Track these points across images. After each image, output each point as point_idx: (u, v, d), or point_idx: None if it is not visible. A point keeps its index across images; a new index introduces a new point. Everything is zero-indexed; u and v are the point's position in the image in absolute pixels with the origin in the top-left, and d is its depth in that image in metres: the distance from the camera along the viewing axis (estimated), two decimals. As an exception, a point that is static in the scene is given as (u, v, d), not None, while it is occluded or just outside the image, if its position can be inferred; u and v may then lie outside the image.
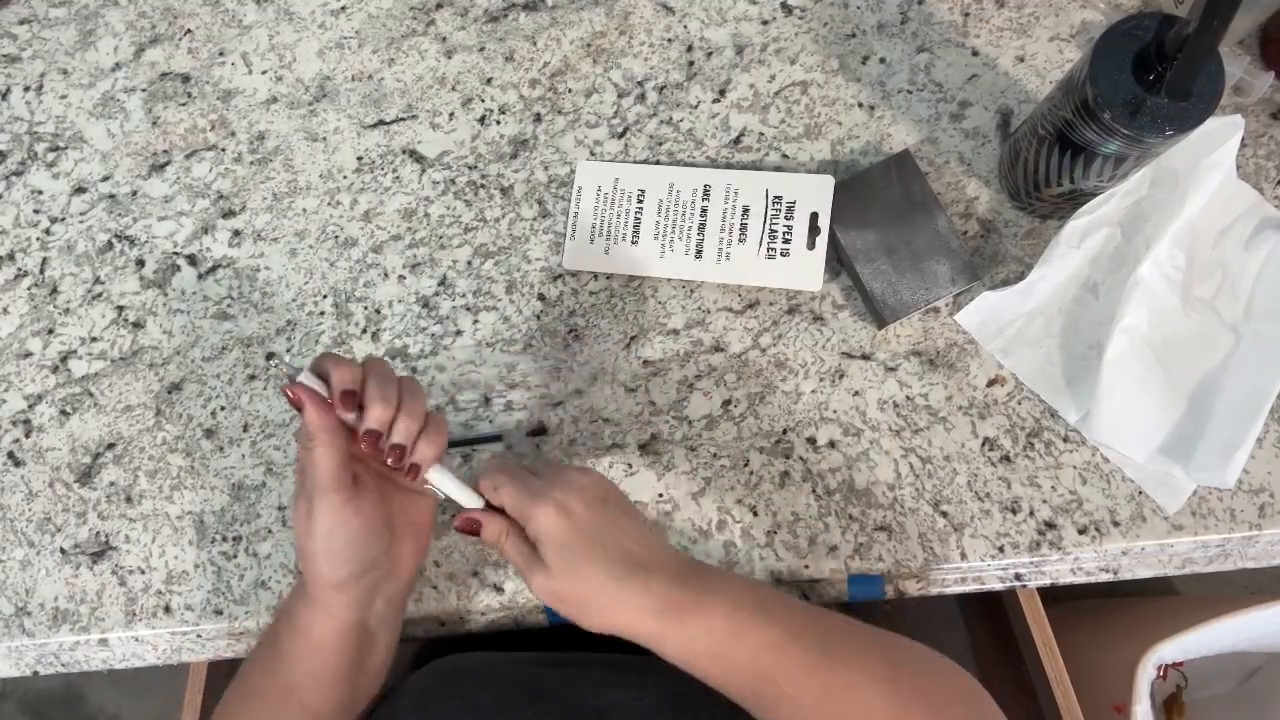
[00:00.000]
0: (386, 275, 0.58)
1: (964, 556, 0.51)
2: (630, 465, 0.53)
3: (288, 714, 0.43)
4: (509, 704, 0.44)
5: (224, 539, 0.54)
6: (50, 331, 0.59)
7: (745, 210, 0.55)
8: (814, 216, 0.54)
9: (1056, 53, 0.58)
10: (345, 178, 0.60)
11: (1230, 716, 0.84)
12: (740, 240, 0.55)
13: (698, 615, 0.38)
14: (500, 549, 0.43)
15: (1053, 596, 0.98)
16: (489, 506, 0.44)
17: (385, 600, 0.44)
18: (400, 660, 0.60)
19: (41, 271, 0.60)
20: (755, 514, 0.52)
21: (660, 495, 0.53)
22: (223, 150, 0.61)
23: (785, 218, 0.55)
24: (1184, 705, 0.85)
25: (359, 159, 0.60)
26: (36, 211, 0.61)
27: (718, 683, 0.39)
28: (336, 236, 0.59)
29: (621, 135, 0.59)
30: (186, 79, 0.63)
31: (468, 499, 0.44)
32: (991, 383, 0.53)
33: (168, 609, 0.53)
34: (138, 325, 0.58)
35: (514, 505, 0.41)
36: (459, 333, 0.56)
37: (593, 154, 0.59)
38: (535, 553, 0.41)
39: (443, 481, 0.43)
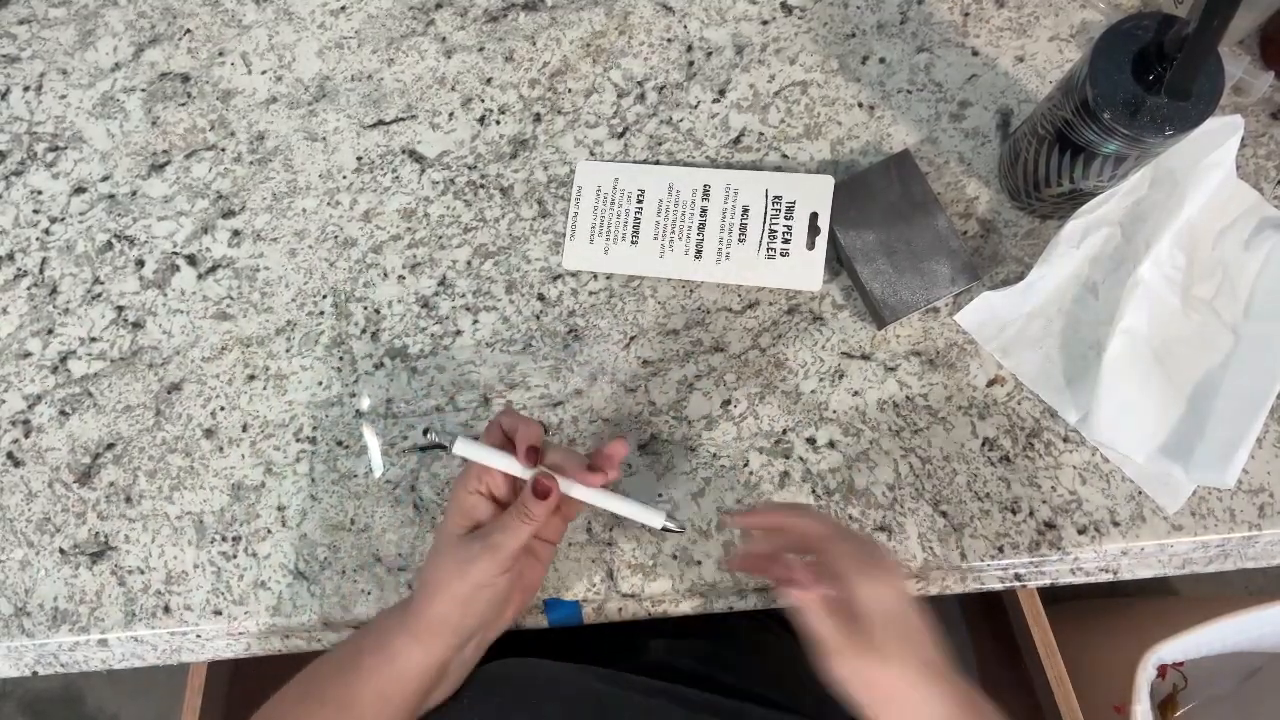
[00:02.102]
0: (386, 275, 0.58)
1: (964, 556, 0.51)
2: (630, 465, 0.53)
3: None
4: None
5: (223, 539, 0.54)
6: (50, 331, 0.59)
7: (745, 210, 0.55)
8: (814, 216, 0.54)
9: (1056, 53, 0.58)
10: (345, 178, 0.60)
11: (1230, 716, 0.84)
12: (740, 240, 0.55)
13: None
14: (804, 612, 0.39)
15: (1052, 596, 0.98)
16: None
17: (476, 646, 0.45)
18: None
19: (41, 271, 0.60)
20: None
21: (660, 495, 0.53)
22: (222, 150, 0.61)
23: (785, 218, 0.55)
24: (1178, 704, 0.85)
25: (359, 159, 0.60)
26: (36, 211, 0.61)
27: None
28: (336, 236, 0.59)
29: (621, 135, 0.59)
30: (186, 79, 0.63)
31: (648, 517, 0.45)
32: (991, 383, 0.53)
33: (167, 609, 0.53)
34: (137, 325, 0.58)
35: (847, 567, 0.38)
36: (459, 333, 0.56)
37: (592, 154, 0.59)
38: (850, 628, 0.38)
39: (608, 502, 0.45)
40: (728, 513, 0.50)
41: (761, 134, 0.58)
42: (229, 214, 0.60)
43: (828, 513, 0.51)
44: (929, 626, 0.39)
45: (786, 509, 0.43)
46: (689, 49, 0.60)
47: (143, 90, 0.63)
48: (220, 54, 0.63)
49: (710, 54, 0.60)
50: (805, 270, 0.54)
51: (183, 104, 0.62)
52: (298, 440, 0.55)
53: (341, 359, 0.56)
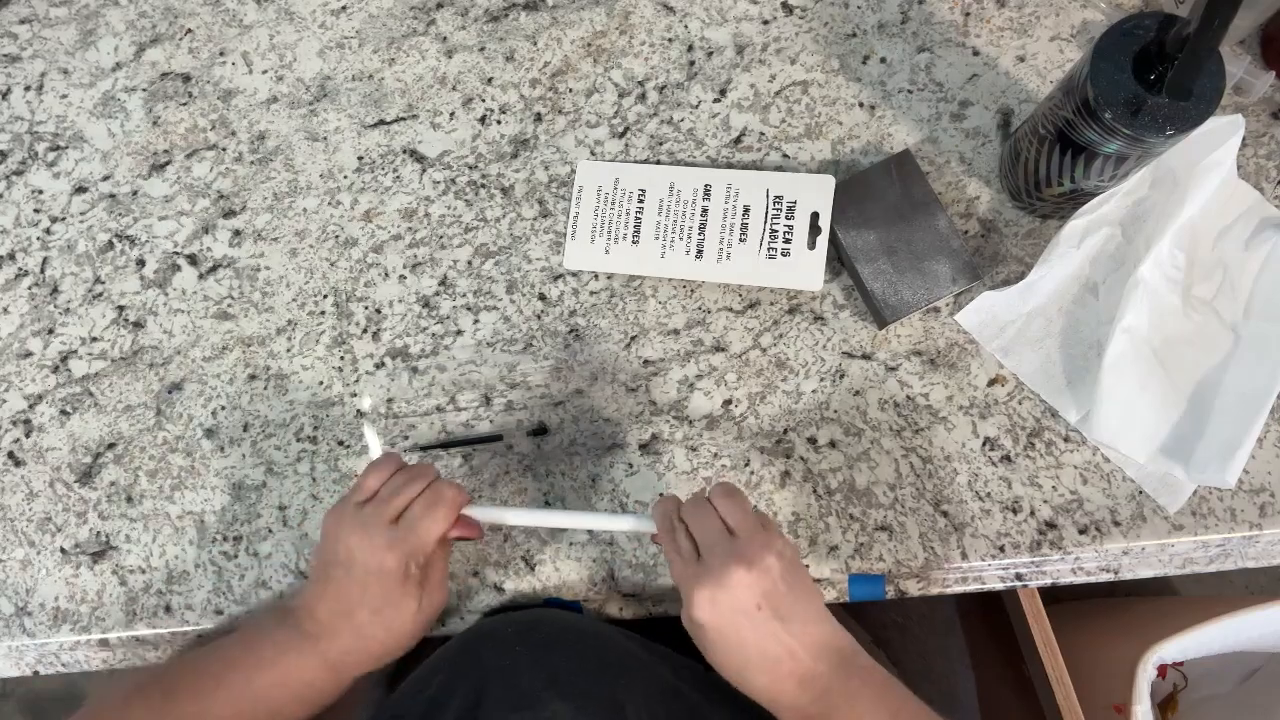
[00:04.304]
0: (387, 275, 0.58)
1: (964, 556, 0.51)
2: (630, 465, 0.53)
3: None
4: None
5: (224, 539, 0.54)
6: (50, 331, 0.59)
7: (746, 210, 0.55)
8: (814, 216, 0.54)
9: (1057, 52, 0.58)
10: (346, 177, 0.60)
11: (1230, 716, 0.84)
12: (741, 240, 0.55)
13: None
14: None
15: (1053, 596, 0.98)
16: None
17: (375, 665, 0.46)
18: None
19: (42, 271, 0.60)
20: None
21: (661, 495, 0.53)
22: (223, 150, 0.61)
23: (786, 217, 0.55)
24: (1177, 704, 0.85)
25: (359, 159, 0.60)
26: (37, 211, 0.61)
27: None
28: (337, 236, 0.59)
29: (622, 135, 0.59)
30: (187, 79, 0.63)
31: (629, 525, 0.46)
32: (992, 382, 0.53)
33: (168, 609, 0.53)
34: (138, 325, 0.58)
35: (678, 568, 0.42)
36: (459, 332, 0.56)
37: (593, 154, 0.59)
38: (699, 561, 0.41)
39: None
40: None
41: (762, 134, 0.58)
42: (230, 214, 0.60)
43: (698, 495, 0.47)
44: (752, 644, 0.40)
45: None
46: (690, 49, 0.60)
47: (144, 90, 0.63)
48: (221, 54, 0.63)
49: (711, 54, 0.60)
50: (806, 270, 0.54)
51: (184, 104, 0.62)
52: (299, 440, 0.55)
53: (342, 359, 0.57)
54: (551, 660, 0.44)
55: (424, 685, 0.45)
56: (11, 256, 0.60)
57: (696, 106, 0.59)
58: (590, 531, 0.52)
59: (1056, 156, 0.49)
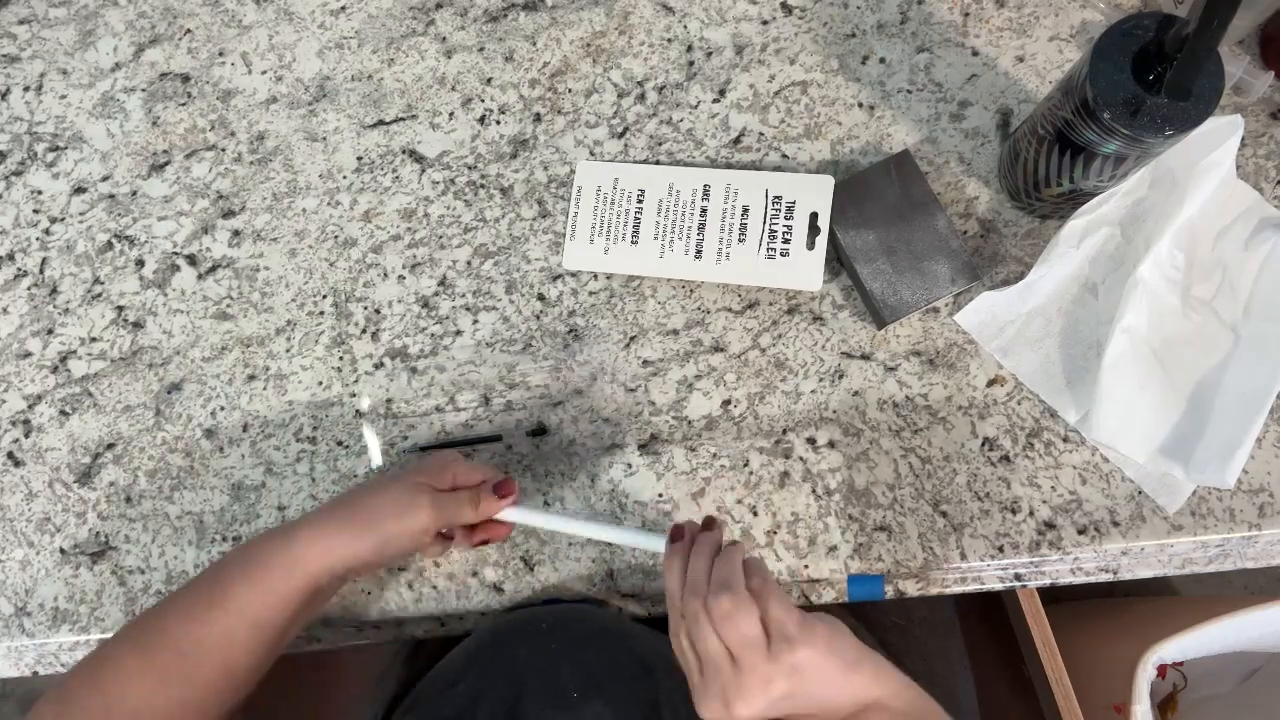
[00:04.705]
0: (386, 275, 0.58)
1: (964, 556, 0.51)
2: (630, 465, 0.53)
3: (201, 673, 0.41)
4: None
5: (224, 539, 0.54)
6: (50, 331, 0.59)
7: (745, 210, 0.55)
8: (814, 216, 0.54)
9: (1056, 53, 0.58)
10: (345, 178, 0.60)
11: (1230, 716, 0.84)
12: (740, 240, 0.55)
13: None
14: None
15: (1052, 596, 0.98)
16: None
17: (340, 584, 0.47)
18: (396, 659, 0.60)
19: (41, 271, 0.60)
20: (755, 514, 0.52)
21: (660, 495, 0.53)
22: (222, 150, 0.61)
23: (785, 218, 0.55)
24: (1177, 704, 0.85)
25: (359, 159, 0.60)
26: (36, 211, 0.61)
27: None
28: (336, 236, 0.59)
29: (621, 135, 0.59)
30: (186, 79, 0.63)
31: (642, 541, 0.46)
32: (991, 383, 0.53)
33: (167, 609, 0.53)
34: (138, 325, 0.58)
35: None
36: (459, 333, 0.56)
37: (592, 154, 0.59)
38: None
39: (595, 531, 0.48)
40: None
41: (761, 134, 0.58)
42: (229, 214, 0.60)
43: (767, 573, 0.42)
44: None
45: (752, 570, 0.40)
46: (689, 49, 0.60)
47: (143, 90, 0.63)
48: (220, 54, 0.63)
49: (710, 54, 0.60)
50: (805, 270, 0.54)
51: (183, 104, 0.62)
52: (298, 440, 0.55)
53: (341, 359, 0.57)
54: (586, 658, 0.45)
55: (456, 679, 0.45)
56: (11, 257, 0.60)
57: (696, 107, 0.59)
58: (588, 500, 0.51)
59: (1055, 156, 0.49)
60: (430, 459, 0.48)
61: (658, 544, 0.44)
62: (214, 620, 0.42)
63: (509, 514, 0.48)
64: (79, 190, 0.61)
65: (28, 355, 0.58)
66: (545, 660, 0.45)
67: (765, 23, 0.60)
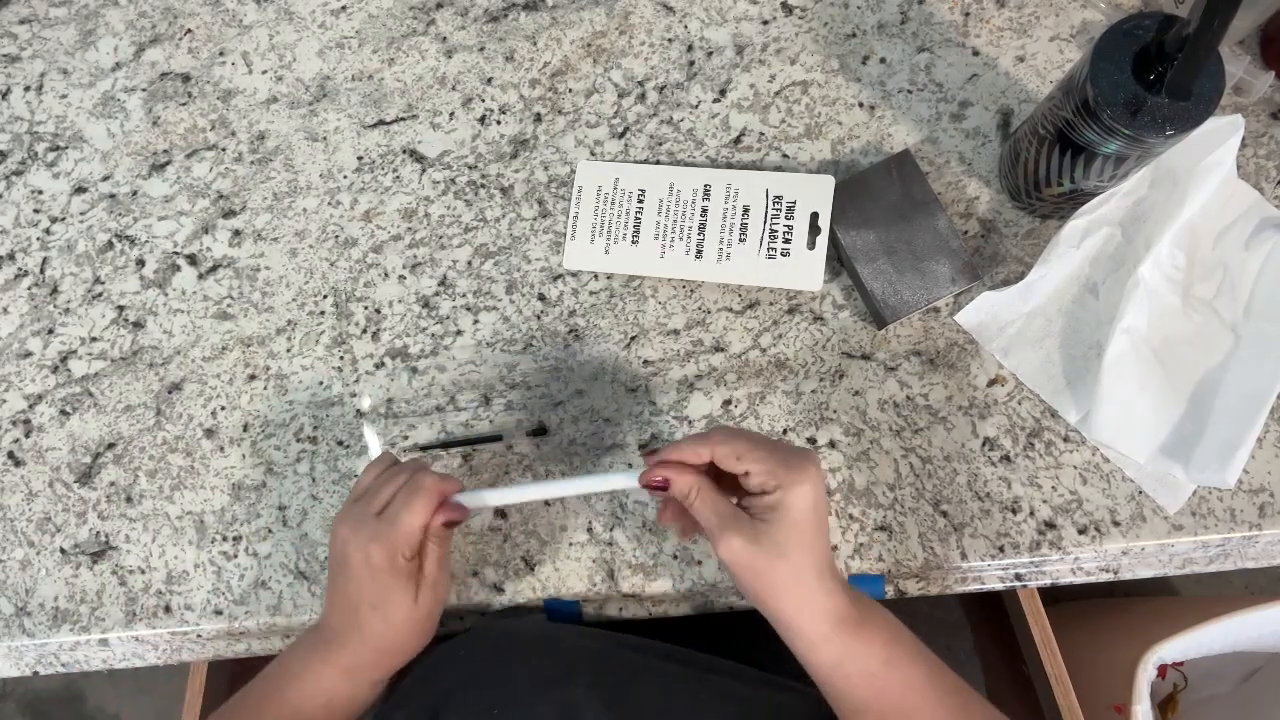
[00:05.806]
0: (387, 275, 0.58)
1: (964, 556, 0.51)
2: (630, 465, 0.53)
3: None
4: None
5: (224, 539, 0.54)
6: (50, 331, 0.59)
7: (745, 210, 0.55)
8: (814, 216, 0.54)
9: (1057, 53, 0.58)
10: (345, 177, 0.60)
11: (1230, 716, 0.84)
12: (740, 240, 0.55)
13: (863, 635, 0.39)
14: (689, 503, 0.41)
15: (1053, 596, 0.98)
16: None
17: (387, 665, 0.45)
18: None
19: (41, 271, 0.60)
20: (755, 514, 0.52)
21: (651, 448, 0.53)
22: (223, 150, 0.61)
23: (785, 218, 0.55)
24: (1177, 704, 0.85)
25: (359, 159, 0.60)
26: (36, 211, 0.61)
27: (857, 702, 0.39)
28: (337, 236, 0.59)
29: (622, 135, 0.59)
30: (187, 79, 0.63)
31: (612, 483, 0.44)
32: (991, 383, 0.53)
33: (168, 609, 0.53)
34: (138, 325, 0.58)
35: (768, 467, 0.40)
36: (459, 333, 0.56)
37: (593, 154, 0.59)
38: (738, 514, 0.40)
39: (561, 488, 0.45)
40: (649, 452, 0.44)
41: (762, 134, 0.58)
42: (229, 214, 0.60)
43: (735, 426, 0.49)
44: (826, 538, 0.41)
45: (699, 440, 0.42)
46: (689, 49, 0.60)
47: (143, 90, 0.63)
48: (221, 54, 0.63)
49: (711, 54, 0.60)
50: (806, 270, 0.54)
51: (183, 104, 0.62)
52: (298, 440, 0.55)
53: (342, 359, 0.57)
54: (508, 672, 0.45)
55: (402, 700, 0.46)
56: (11, 256, 0.60)
57: (696, 107, 0.59)
58: (587, 500, 0.51)
59: (1056, 156, 0.49)
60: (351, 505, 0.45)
61: (629, 481, 0.43)
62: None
63: (464, 499, 0.45)
64: (79, 190, 0.61)
65: (28, 355, 0.58)
66: (465, 678, 0.45)
67: (766, 23, 0.60)
